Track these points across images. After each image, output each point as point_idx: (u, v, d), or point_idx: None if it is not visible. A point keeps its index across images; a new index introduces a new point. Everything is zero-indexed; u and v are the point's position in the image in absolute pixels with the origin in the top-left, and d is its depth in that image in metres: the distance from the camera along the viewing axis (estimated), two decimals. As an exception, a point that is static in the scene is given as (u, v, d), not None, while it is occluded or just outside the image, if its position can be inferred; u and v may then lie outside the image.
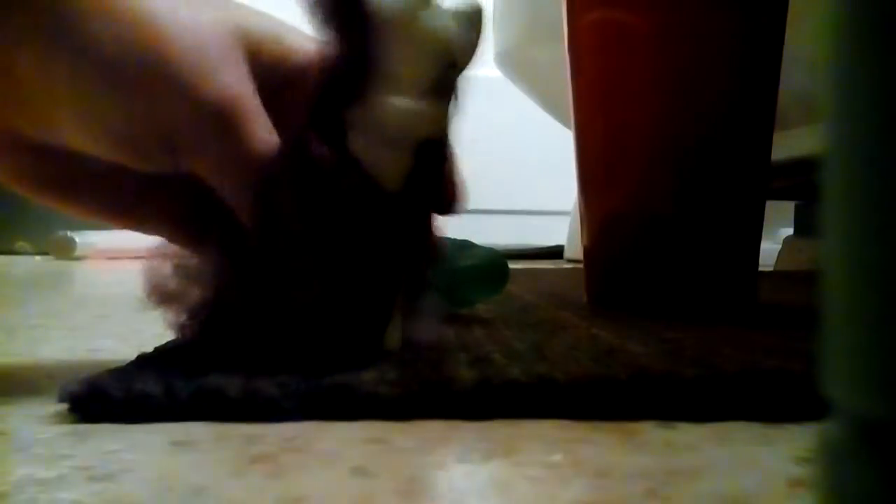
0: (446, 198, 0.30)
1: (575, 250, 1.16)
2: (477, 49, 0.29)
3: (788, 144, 0.64)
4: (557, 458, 0.20)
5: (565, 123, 0.97)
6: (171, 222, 0.31)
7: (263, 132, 0.27)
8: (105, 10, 0.26)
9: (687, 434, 0.23)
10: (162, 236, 0.31)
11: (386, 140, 0.27)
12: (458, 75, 0.28)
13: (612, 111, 0.46)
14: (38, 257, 1.22)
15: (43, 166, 0.29)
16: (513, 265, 0.44)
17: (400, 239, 0.28)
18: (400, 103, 0.26)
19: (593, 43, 0.47)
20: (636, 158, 0.45)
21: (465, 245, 0.42)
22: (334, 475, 0.19)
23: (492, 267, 0.42)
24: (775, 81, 0.45)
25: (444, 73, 0.27)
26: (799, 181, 0.75)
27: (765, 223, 0.47)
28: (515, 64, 1.12)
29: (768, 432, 0.23)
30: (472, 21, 0.28)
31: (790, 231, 0.99)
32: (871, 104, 0.11)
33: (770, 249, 0.89)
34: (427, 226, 0.30)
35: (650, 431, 0.23)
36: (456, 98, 0.28)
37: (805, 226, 0.94)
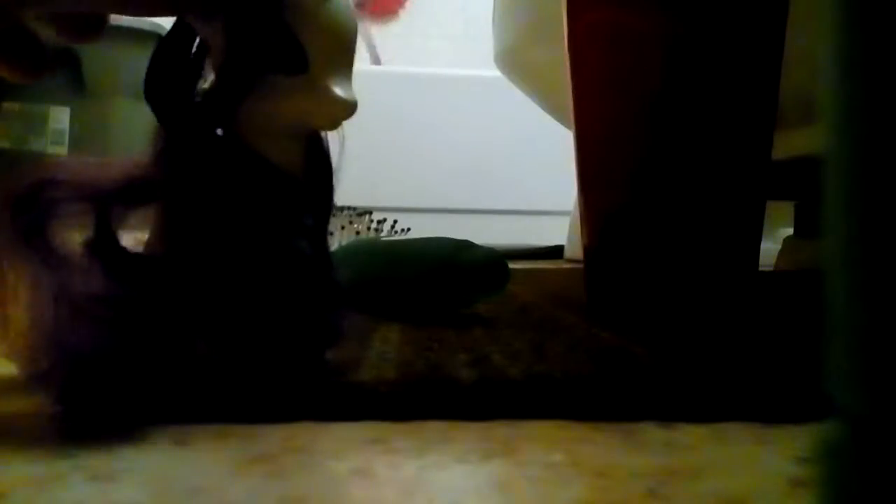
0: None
1: (575, 250, 1.16)
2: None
3: (788, 144, 0.64)
4: (557, 458, 0.20)
5: (565, 123, 0.97)
6: None
7: None
8: None
9: (687, 434, 0.23)
10: None
11: (283, 130, 0.26)
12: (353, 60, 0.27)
13: (612, 111, 0.46)
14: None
15: None
16: (513, 265, 0.44)
17: (308, 231, 0.27)
18: (329, 92, 0.25)
19: (593, 43, 0.47)
20: (636, 158, 0.45)
21: (465, 245, 0.42)
22: (334, 475, 0.19)
23: (492, 267, 0.42)
24: (775, 81, 0.45)
25: (352, 59, 0.26)
26: (799, 181, 0.75)
27: (765, 223, 0.47)
28: (515, 64, 1.12)
29: (768, 432, 0.23)
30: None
31: (790, 231, 0.99)
32: (871, 104, 0.11)
33: (770, 249, 0.89)
34: (326, 221, 0.28)
35: (650, 431, 0.23)
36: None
37: (805, 226, 0.94)
